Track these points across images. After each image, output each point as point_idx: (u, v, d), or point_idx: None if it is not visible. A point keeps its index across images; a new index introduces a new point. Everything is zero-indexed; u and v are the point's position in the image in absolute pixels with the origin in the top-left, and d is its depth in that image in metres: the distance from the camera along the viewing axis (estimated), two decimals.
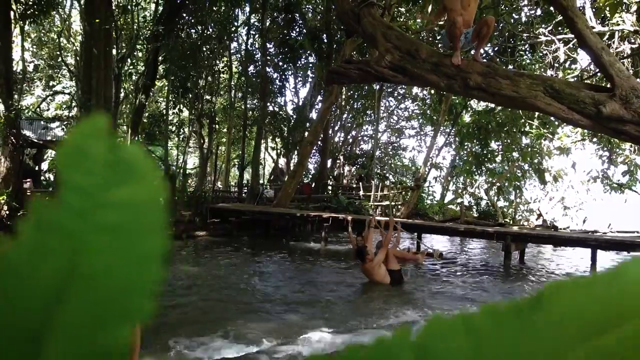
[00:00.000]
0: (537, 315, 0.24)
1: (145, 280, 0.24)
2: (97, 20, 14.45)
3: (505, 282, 9.58)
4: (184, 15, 18.73)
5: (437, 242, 16.29)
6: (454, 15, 5.25)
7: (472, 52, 5.51)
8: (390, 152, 32.45)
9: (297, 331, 5.50)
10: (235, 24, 21.64)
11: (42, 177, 20.18)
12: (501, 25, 14.69)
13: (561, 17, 7.85)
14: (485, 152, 21.42)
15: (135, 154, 0.25)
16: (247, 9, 21.43)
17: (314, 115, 23.64)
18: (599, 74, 9.58)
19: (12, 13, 12.72)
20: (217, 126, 25.45)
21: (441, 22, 7.42)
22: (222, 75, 23.15)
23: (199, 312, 6.20)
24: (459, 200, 23.43)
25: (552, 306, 0.24)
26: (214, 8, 18.73)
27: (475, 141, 21.26)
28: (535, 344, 0.24)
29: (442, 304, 7.24)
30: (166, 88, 21.53)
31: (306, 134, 20.40)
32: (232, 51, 22.94)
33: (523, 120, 19.47)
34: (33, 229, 0.24)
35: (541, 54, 14.95)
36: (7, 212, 10.54)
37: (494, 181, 22.61)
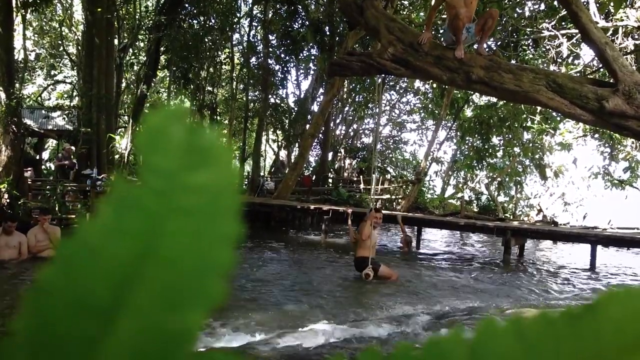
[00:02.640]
0: (590, 323, 0.24)
1: (218, 264, 0.24)
2: (99, 10, 14.41)
3: (504, 276, 9.59)
4: (186, 5, 18.66)
5: (437, 237, 16.32)
6: (456, 8, 5.23)
7: (476, 46, 5.49)
8: (392, 146, 32.42)
9: (297, 322, 5.51)
10: (238, 15, 21.56)
11: (43, 166, 20.19)
12: (504, 19, 14.62)
13: (565, 12, 7.81)
14: (486, 146, 21.40)
15: (213, 138, 0.25)
16: (250, 0, 21.35)
17: (315, 107, 23.61)
18: (602, 69, 9.56)
19: (13, 1, 12.67)
20: (218, 118, 25.41)
21: (444, 16, 7.39)
22: (223, 66, 23.09)
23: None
24: (459, 195, 23.43)
25: (605, 315, 0.24)
26: None
27: (476, 136, 21.23)
28: (587, 352, 0.24)
29: (442, 297, 7.25)
30: (168, 79, 21.49)
31: (307, 126, 20.38)
32: (234, 42, 22.87)
33: (525, 115, 19.43)
34: (113, 208, 0.24)
35: (544, 49, 14.89)
36: (8, 201, 10.55)
37: (495, 176, 22.61)
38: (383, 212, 9.81)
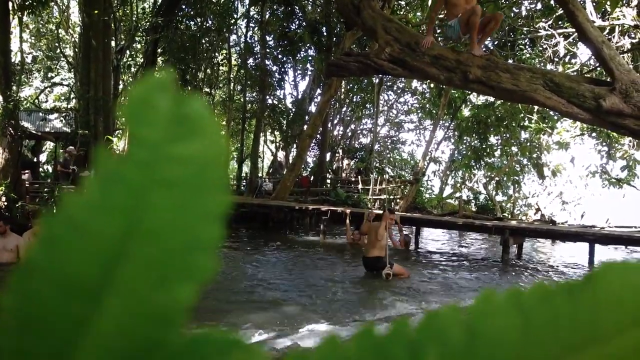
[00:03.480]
0: (588, 295, 0.24)
1: (207, 237, 0.24)
2: (95, 12, 14.38)
3: (503, 275, 9.61)
4: (183, 7, 18.65)
5: (436, 236, 16.32)
6: (457, 6, 5.21)
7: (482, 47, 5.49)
8: (389, 146, 32.43)
9: (296, 322, 5.52)
10: (235, 16, 21.55)
11: (41, 169, 20.14)
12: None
13: (562, 11, 7.83)
14: (484, 146, 21.42)
15: (200, 109, 0.24)
16: (247, 1, 21.34)
17: (313, 108, 23.60)
18: (599, 68, 9.57)
19: (10, 4, 12.65)
20: (215, 119, 25.32)
21: (441, 16, 7.39)
22: (221, 67, 23.08)
23: (197, 303, 6.20)
24: (457, 195, 23.45)
25: (603, 287, 0.24)
26: (213, 0, 18.66)
27: (474, 135, 21.26)
28: (585, 324, 0.24)
29: (440, 296, 7.26)
30: None
31: (305, 127, 20.37)
32: (231, 43, 22.86)
33: (522, 115, 19.46)
34: (97, 182, 0.24)
35: (541, 48, 14.92)
36: (6, 203, 10.53)
37: (493, 175, 22.64)
38: (378, 212, 9.83)
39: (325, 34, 19.65)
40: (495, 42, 16.02)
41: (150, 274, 0.23)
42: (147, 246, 0.23)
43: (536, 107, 16.05)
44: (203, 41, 19.66)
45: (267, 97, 22.48)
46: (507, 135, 21.00)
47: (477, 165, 22.39)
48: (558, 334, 0.24)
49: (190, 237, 0.24)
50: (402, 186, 21.90)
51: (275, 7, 20.47)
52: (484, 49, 5.73)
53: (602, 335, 0.23)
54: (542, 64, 14.62)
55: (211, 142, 0.24)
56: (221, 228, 0.24)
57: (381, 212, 9.23)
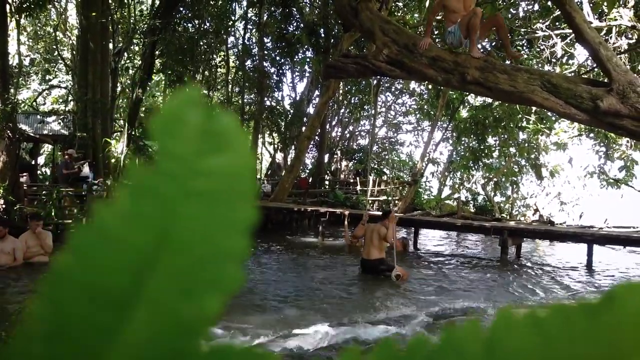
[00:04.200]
0: (607, 316, 0.24)
1: (234, 249, 0.24)
2: (93, 14, 14.37)
3: (501, 276, 9.61)
4: (181, 9, 18.65)
5: (434, 237, 16.33)
6: (457, 12, 5.22)
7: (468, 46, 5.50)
8: (388, 147, 32.45)
9: (295, 325, 5.51)
10: (233, 18, 21.57)
11: (39, 171, 20.11)
12: None
13: (559, 12, 7.85)
14: (482, 147, 21.45)
15: (230, 124, 0.25)
16: (244, 3, 21.39)
17: (311, 110, 23.60)
18: (596, 69, 9.59)
19: (8, 7, 12.64)
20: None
21: (438, 17, 7.41)
22: (219, 69, 23.08)
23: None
24: (456, 196, 23.46)
25: (623, 307, 0.24)
26: (211, 2, 18.67)
27: (472, 136, 21.28)
28: (604, 344, 0.23)
29: (439, 298, 7.26)
30: (163, 82, 21.46)
31: (303, 128, 20.38)
32: (229, 45, 22.87)
33: (520, 116, 19.49)
34: (129, 193, 0.24)
35: (538, 49, 14.94)
36: (4, 206, 10.51)
37: (491, 176, 22.65)
38: (375, 213, 9.85)
39: (323, 35, 19.67)
40: (493, 44, 16.04)
41: (178, 284, 0.23)
42: (176, 257, 0.24)
43: (534, 108, 16.08)
44: (201, 43, 19.67)
45: (265, 98, 22.49)
46: (505, 136, 21.02)
47: (476, 166, 22.42)
48: (577, 354, 0.24)
49: (218, 249, 0.24)
50: (401, 187, 21.91)
51: (273, 9, 20.49)
52: (480, 50, 5.74)
53: (621, 356, 0.23)
54: (539, 65, 14.65)
55: (240, 156, 0.25)
56: (248, 240, 0.24)
57: (379, 213, 9.24)
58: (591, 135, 18.77)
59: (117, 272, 0.23)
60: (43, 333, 0.23)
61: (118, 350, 0.23)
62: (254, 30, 22.66)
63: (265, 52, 21.53)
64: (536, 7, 14.69)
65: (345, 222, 11.08)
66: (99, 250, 0.23)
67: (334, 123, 28.05)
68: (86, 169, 13.33)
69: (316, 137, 22.14)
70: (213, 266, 0.24)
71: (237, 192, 0.24)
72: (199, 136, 0.24)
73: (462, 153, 22.92)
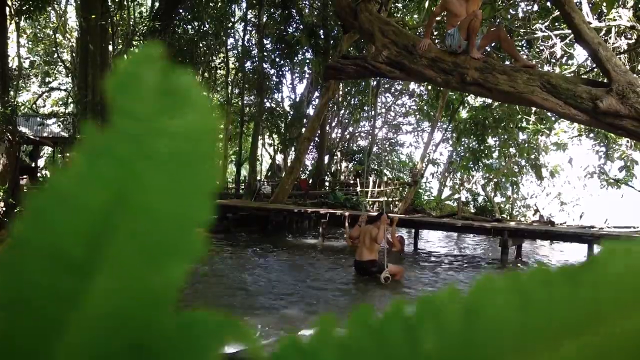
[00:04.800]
0: (589, 278, 0.24)
1: (197, 213, 0.23)
2: (93, 16, 14.39)
3: None
4: (181, 11, 18.67)
5: (434, 238, 16.33)
6: (459, 16, 5.22)
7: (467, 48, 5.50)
8: (388, 148, 32.44)
9: (296, 326, 5.51)
10: (232, 19, 21.59)
11: (39, 174, 20.12)
12: (498, 20, 14.68)
13: (558, 13, 7.85)
14: (482, 147, 21.43)
15: (189, 82, 0.24)
16: (244, 4, 21.39)
17: (311, 111, 23.62)
18: (595, 70, 9.59)
19: (7, 9, 12.66)
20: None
21: (438, 18, 7.41)
22: (218, 71, 23.10)
23: (196, 308, 6.19)
24: (456, 196, 23.45)
25: (604, 270, 0.24)
26: (211, 4, 18.69)
27: (472, 137, 21.27)
28: (585, 306, 0.23)
29: None
30: None
31: (303, 130, 20.38)
32: (228, 47, 22.89)
33: (520, 116, 19.48)
34: (84, 154, 0.23)
35: (538, 50, 14.95)
36: (4, 209, 10.51)
37: (491, 177, 22.65)
38: (371, 214, 9.84)
39: (322, 37, 19.68)
40: (492, 44, 16.05)
41: (140, 250, 0.22)
42: (136, 221, 0.23)
43: (534, 109, 16.08)
44: (200, 45, 19.69)
45: (265, 100, 22.50)
46: (505, 136, 21.02)
47: (476, 167, 22.41)
48: (558, 315, 0.24)
49: (181, 212, 0.23)
50: (401, 188, 21.90)
51: (272, 10, 20.51)
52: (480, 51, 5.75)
53: (602, 317, 0.23)
54: (539, 66, 14.65)
55: (201, 116, 0.24)
56: (211, 204, 0.23)
57: (375, 214, 9.23)
58: (591, 135, 18.76)
59: (74, 235, 0.22)
60: (1, 303, 0.22)
61: (80, 317, 0.22)
62: (253, 31, 22.68)
63: (265, 53, 21.54)
64: (535, 7, 14.69)
65: (346, 224, 11.08)
66: (55, 213, 0.22)
67: (333, 124, 28.05)
68: None
69: (316, 139, 22.14)
70: (176, 230, 0.23)
71: (198, 153, 0.23)
72: (157, 95, 0.23)
73: (462, 154, 22.91)
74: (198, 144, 0.23)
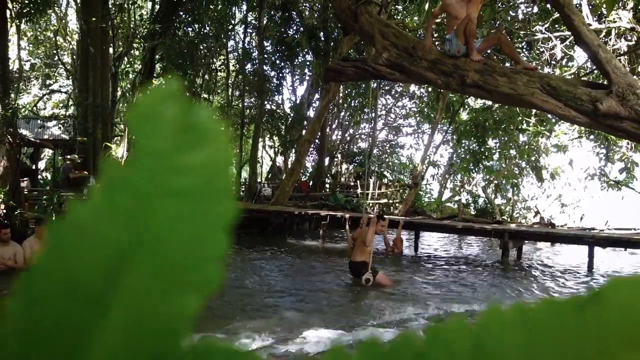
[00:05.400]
0: (595, 311, 0.23)
1: (213, 247, 0.23)
2: (93, 19, 14.41)
3: (502, 279, 9.60)
4: (181, 13, 18.69)
5: (435, 240, 16.32)
6: (459, 18, 5.22)
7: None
8: (388, 150, 32.44)
9: (296, 329, 5.51)
10: (232, 22, 21.60)
11: (39, 176, 20.13)
12: (498, 22, 14.69)
13: (558, 15, 7.86)
14: (482, 149, 21.43)
15: (207, 118, 0.24)
16: (244, 7, 21.41)
17: (311, 113, 23.62)
18: (595, 71, 9.60)
19: (8, 12, 12.68)
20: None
21: (438, 20, 7.42)
22: (219, 73, 23.11)
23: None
24: (456, 198, 23.45)
25: (611, 303, 0.23)
26: (211, 6, 18.70)
27: (472, 139, 21.27)
28: (592, 340, 0.23)
29: (440, 301, 7.25)
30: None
31: (304, 132, 20.39)
32: (229, 49, 22.91)
33: (520, 118, 19.48)
34: (104, 189, 0.23)
35: (538, 51, 14.95)
36: (4, 211, 10.52)
37: (492, 179, 22.64)
38: (371, 216, 9.84)
39: (323, 39, 19.70)
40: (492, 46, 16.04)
41: (155, 282, 0.23)
42: (152, 254, 0.23)
43: (534, 110, 16.08)
44: (201, 47, 19.70)
45: (266, 102, 22.50)
46: (506, 138, 21.02)
47: (476, 169, 22.39)
48: (565, 350, 0.23)
49: (197, 247, 0.23)
50: (401, 190, 21.89)
51: (272, 12, 20.53)
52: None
53: (609, 351, 0.23)
54: (539, 67, 14.64)
55: (218, 152, 0.24)
56: (228, 238, 0.24)
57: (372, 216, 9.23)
58: (591, 137, 18.76)
59: (91, 268, 0.23)
60: (18, 330, 0.22)
61: (95, 348, 0.22)
62: (253, 34, 22.70)
63: (265, 55, 21.55)
64: (535, 9, 14.70)
65: (347, 226, 11.07)
66: (73, 246, 0.23)
67: (334, 126, 28.05)
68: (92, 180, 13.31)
69: (316, 141, 22.15)
70: (192, 265, 0.23)
71: (215, 188, 0.24)
72: (176, 131, 0.24)
73: (463, 155, 22.91)
74: (215, 179, 0.24)
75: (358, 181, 22.62)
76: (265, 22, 20.69)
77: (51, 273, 0.23)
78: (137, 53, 19.79)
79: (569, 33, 8.91)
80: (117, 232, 0.23)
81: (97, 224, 0.23)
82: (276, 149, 27.42)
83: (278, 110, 24.89)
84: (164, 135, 0.24)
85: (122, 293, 0.23)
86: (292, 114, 24.58)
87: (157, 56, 18.22)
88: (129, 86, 19.97)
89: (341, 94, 24.83)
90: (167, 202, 0.23)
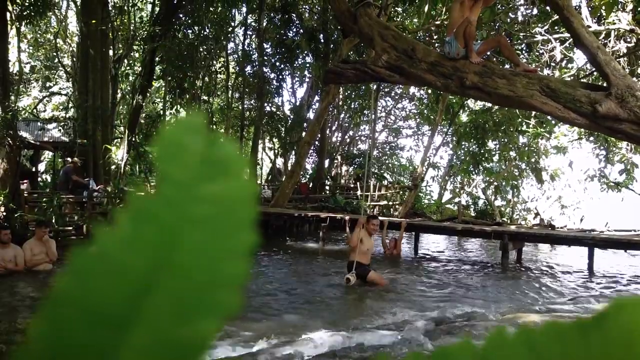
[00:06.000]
0: (600, 334, 0.24)
1: (232, 275, 0.24)
2: (93, 21, 14.43)
3: (502, 280, 9.60)
4: (181, 15, 18.70)
5: (435, 241, 16.32)
6: (462, 20, 5.22)
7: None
8: (388, 152, 32.46)
9: (296, 331, 5.50)
10: (232, 24, 21.63)
11: (39, 178, 20.13)
12: (497, 24, 14.71)
13: (557, 17, 7.87)
14: (482, 151, 21.44)
15: (230, 150, 0.25)
16: (244, 9, 21.42)
17: (311, 115, 23.63)
18: (595, 73, 9.60)
19: (8, 14, 12.70)
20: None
21: (437, 22, 7.44)
22: (219, 75, 23.13)
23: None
24: (456, 200, 23.45)
25: (614, 325, 0.24)
26: (211, 8, 18.71)
27: (472, 140, 21.28)
28: None
29: (441, 303, 7.25)
30: (163, 89, 21.50)
31: (303, 134, 20.40)
32: (229, 51, 22.93)
33: (520, 120, 19.50)
34: (129, 219, 0.24)
35: (537, 53, 14.97)
36: (4, 214, 10.52)
37: (492, 180, 22.64)
38: (382, 218, 9.84)
39: (322, 41, 19.73)
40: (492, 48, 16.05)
41: (176, 308, 0.24)
42: (174, 282, 0.24)
43: (533, 112, 16.09)
44: (201, 49, 19.71)
45: (265, 104, 22.53)
46: (505, 140, 21.03)
47: (476, 170, 22.40)
48: None
49: (217, 275, 0.24)
50: (401, 192, 21.90)
51: (272, 14, 20.56)
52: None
53: None
54: (538, 69, 14.64)
55: (239, 183, 0.25)
56: (247, 266, 0.25)
57: (382, 218, 9.24)
58: (591, 138, 18.77)
59: (115, 296, 0.23)
60: (43, 354, 0.23)
61: None
62: (253, 36, 22.73)
63: (265, 57, 21.58)
64: (535, 11, 14.72)
65: (347, 228, 11.08)
66: (99, 274, 0.24)
67: (334, 128, 28.08)
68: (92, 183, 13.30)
69: (316, 142, 22.17)
70: (211, 291, 0.24)
71: (236, 218, 0.25)
72: (199, 163, 0.25)
73: (463, 157, 22.92)
74: (235, 210, 0.25)
75: (358, 183, 22.62)
76: (265, 24, 20.72)
77: (76, 300, 0.23)
78: (137, 55, 19.79)
79: (569, 35, 8.93)
80: (141, 261, 0.24)
81: (122, 253, 0.24)
82: (276, 151, 27.43)
83: (278, 112, 24.92)
84: (187, 167, 0.25)
85: (144, 317, 0.23)
86: (291, 116, 24.60)
87: (157, 58, 18.22)
88: (129, 88, 19.99)
89: (341, 96, 24.86)
90: (190, 231, 0.24)
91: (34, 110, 24.51)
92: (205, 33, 19.66)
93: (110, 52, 16.73)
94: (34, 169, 19.31)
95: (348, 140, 30.30)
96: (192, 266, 0.24)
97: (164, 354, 0.23)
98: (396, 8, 17.53)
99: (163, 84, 21.24)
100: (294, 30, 20.77)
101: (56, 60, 23.62)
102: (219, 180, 0.25)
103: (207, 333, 0.24)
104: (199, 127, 0.25)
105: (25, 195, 12.59)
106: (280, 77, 23.00)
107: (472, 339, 0.26)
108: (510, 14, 15.50)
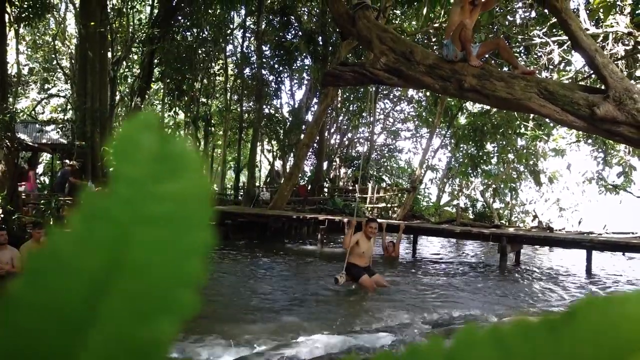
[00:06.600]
0: (568, 331, 0.24)
1: (189, 274, 0.24)
2: (92, 23, 14.43)
3: (501, 283, 9.60)
4: (180, 18, 18.73)
5: (433, 244, 16.32)
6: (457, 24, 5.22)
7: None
8: (386, 154, 32.47)
9: (294, 333, 5.49)
10: (231, 26, 21.65)
11: (37, 180, 20.09)
12: (496, 27, 14.74)
13: (555, 20, 7.89)
14: (480, 153, 21.47)
15: (184, 148, 0.25)
16: (243, 11, 21.45)
17: (309, 117, 23.65)
18: (593, 76, 9.62)
19: (7, 16, 12.69)
20: (212, 129, 25.42)
21: (436, 25, 7.45)
22: (217, 77, 23.16)
23: (195, 314, 6.17)
24: (454, 202, 23.48)
25: (584, 322, 0.24)
26: (210, 11, 18.74)
27: (470, 143, 21.31)
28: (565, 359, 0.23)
29: (439, 305, 7.24)
30: (162, 91, 21.51)
31: (302, 136, 20.41)
32: (227, 54, 22.95)
33: (518, 122, 19.53)
34: (82, 218, 0.24)
35: (536, 56, 15.00)
36: (2, 216, 10.50)
37: (490, 183, 22.67)
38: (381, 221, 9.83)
39: (321, 43, 19.75)
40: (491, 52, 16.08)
41: (132, 308, 0.23)
42: (130, 281, 0.23)
43: (532, 115, 16.11)
44: (199, 52, 19.74)
45: (264, 106, 22.53)
46: (504, 142, 21.06)
47: (474, 173, 22.43)
48: None
49: (173, 273, 0.24)
50: (400, 194, 21.90)
51: (271, 17, 20.58)
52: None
53: None
54: (537, 72, 14.67)
55: (194, 181, 0.24)
56: (204, 264, 0.24)
57: (381, 220, 9.23)
58: (589, 141, 18.80)
59: (70, 296, 0.23)
60: None
61: None
62: (252, 38, 22.75)
63: (264, 60, 21.60)
64: (533, 14, 14.75)
65: (347, 229, 11.09)
66: (52, 274, 0.23)
67: (332, 130, 28.08)
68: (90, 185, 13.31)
69: (315, 145, 22.16)
70: (168, 291, 0.24)
71: (191, 216, 0.24)
72: (153, 160, 0.24)
73: (461, 160, 22.95)
74: (190, 208, 0.24)
75: (356, 185, 22.63)
76: (263, 26, 20.74)
77: (29, 301, 0.23)
78: (135, 57, 19.80)
79: (567, 38, 8.94)
80: (95, 260, 0.23)
81: (75, 253, 0.23)
82: (274, 153, 27.44)
83: (276, 115, 24.93)
84: (141, 165, 0.24)
85: (101, 318, 0.23)
86: (290, 118, 24.62)
87: (155, 60, 18.24)
88: (127, 90, 19.97)
89: (339, 98, 24.87)
90: (144, 229, 0.24)
91: (33, 112, 24.49)
92: (203, 35, 19.70)
93: (109, 54, 16.72)
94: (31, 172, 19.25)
95: (347, 142, 30.30)
96: (147, 265, 0.24)
97: (124, 355, 0.23)
98: (395, 11, 17.57)
99: (162, 86, 21.24)
100: (293, 32, 20.80)
101: (55, 62, 23.61)
102: (174, 178, 0.24)
103: (166, 333, 0.23)
104: (153, 124, 0.25)
105: (23, 197, 12.59)
106: (279, 79, 23.03)
107: (442, 338, 0.26)
108: (508, 16, 15.52)
